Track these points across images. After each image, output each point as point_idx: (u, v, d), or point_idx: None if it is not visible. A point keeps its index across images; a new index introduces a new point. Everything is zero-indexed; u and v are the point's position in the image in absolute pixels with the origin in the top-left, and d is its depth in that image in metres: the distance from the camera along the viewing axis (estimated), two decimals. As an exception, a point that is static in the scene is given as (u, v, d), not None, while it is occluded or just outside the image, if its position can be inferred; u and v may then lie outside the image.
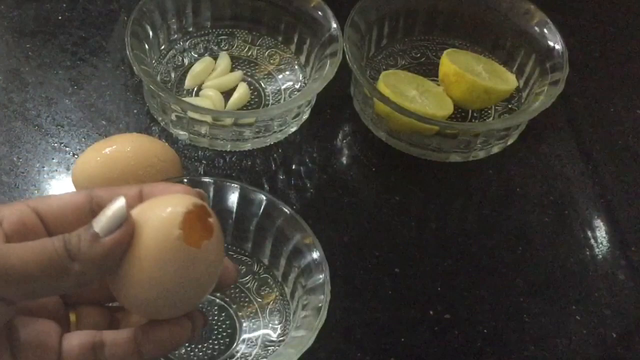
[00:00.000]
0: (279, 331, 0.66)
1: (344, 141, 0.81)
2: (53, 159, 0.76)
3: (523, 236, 0.76)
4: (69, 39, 0.85)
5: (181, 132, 0.78)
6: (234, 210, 0.68)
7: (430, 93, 0.80)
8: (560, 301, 0.72)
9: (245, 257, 0.70)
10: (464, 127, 0.79)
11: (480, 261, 0.74)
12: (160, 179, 0.67)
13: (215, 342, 0.65)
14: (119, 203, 0.45)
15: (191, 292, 0.47)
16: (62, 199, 0.48)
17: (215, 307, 0.67)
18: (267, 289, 0.68)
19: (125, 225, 0.44)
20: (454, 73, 0.80)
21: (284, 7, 0.83)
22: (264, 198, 0.67)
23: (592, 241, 0.76)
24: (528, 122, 0.80)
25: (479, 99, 0.81)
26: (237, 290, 0.68)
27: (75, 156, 0.76)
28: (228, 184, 0.68)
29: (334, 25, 0.80)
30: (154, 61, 0.81)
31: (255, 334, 0.66)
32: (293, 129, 0.80)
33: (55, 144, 0.77)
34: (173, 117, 0.77)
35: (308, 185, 0.77)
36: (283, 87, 0.83)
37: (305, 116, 0.80)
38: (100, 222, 0.44)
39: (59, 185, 0.75)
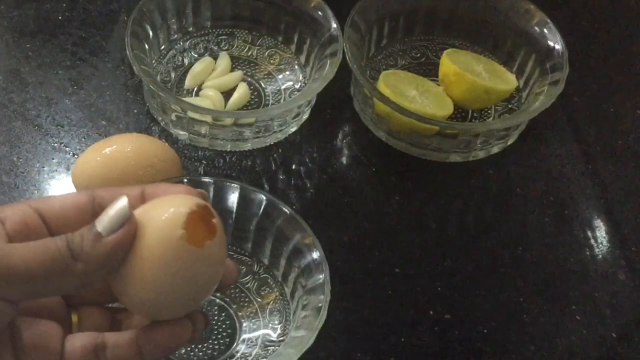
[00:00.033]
0: (279, 331, 0.66)
1: (344, 141, 0.81)
2: (53, 159, 0.76)
3: (523, 236, 0.76)
4: (69, 39, 0.85)
5: (181, 132, 0.78)
6: (234, 210, 0.68)
7: (430, 93, 0.80)
8: (560, 301, 0.72)
9: (245, 257, 0.70)
10: (464, 127, 0.79)
11: (480, 261, 0.74)
12: (160, 179, 0.67)
13: (215, 342, 0.65)
14: (122, 202, 0.45)
15: (193, 292, 0.47)
16: (64, 199, 0.48)
17: (215, 307, 0.67)
18: (267, 289, 0.68)
19: (128, 224, 0.44)
20: (454, 73, 0.80)
21: (284, 7, 0.83)
22: (264, 198, 0.67)
23: (592, 241, 0.76)
24: (528, 122, 0.80)
25: (479, 99, 0.81)
26: (237, 290, 0.68)
27: (75, 156, 0.76)
28: (228, 184, 0.68)
29: (334, 25, 0.80)
30: (154, 61, 0.81)
31: (255, 334, 0.66)
32: (293, 129, 0.80)
33: (55, 144, 0.77)
34: (173, 117, 0.77)
35: (308, 185, 0.77)
36: (283, 87, 0.83)
37: (305, 116, 0.80)
38: (103, 222, 0.44)
39: (59, 185, 0.75)
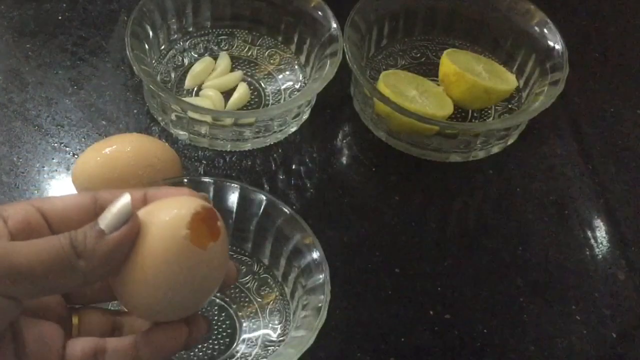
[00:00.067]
0: (279, 331, 0.66)
1: (344, 141, 0.81)
2: (53, 159, 0.76)
3: (523, 236, 0.76)
4: (69, 39, 0.85)
5: (181, 132, 0.78)
6: (234, 210, 0.68)
7: (430, 93, 0.80)
8: (560, 301, 0.72)
9: (245, 257, 0.70)
10: (464, 127, 0.79)
11: (480, 261, 0.74)
12: (160, 179, 0.67)
13: (215, 342, 0.65)
14: (124, 200, 0.45)
15: (193, 294, 0.47)
16: (67, 199, 0.48)
17: (215, 307, 0.67)
18: (267, 289, 0.68)
19: (131, 221, 0.44)
20: (454, 73, 0.80)
21: (284, 7, 0.83)
22: (264, 198, 0.67)
23: (592, 241, 0.76)
24: (528, 122, 0.80)
25: (479, 99, 0.81)
26: (237, 290, 0.68)
27: (75, 156, 0.76)
28: (228, 184, 0.68)
29: (334, 25, 0.80)
30: (154, 61, 0.81)
31: (255, 334, 0.66)
32: (293, 129, 0.80)
33: (55, 144, 0.77)
34: (173, 117, 0.77)
35: (308, 185, 0.77)
36: (283, 87, 0.83)
37: (305, 116, 0.80)
38: (106, 219, 0.44)
39: (59, 185, 0.75)
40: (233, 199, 0.68)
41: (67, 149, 0.77)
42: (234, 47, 0.85)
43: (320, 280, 0.63)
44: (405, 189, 0.78)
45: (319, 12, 0.81)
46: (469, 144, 0.78)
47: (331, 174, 0.78)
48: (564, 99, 0.81)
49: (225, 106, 0.80)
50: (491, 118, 0.82)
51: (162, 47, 0.82)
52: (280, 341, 0.65)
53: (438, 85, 0.82)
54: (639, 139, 0.84)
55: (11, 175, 0.75)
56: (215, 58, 0.83)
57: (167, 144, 0.74)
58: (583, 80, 0.87)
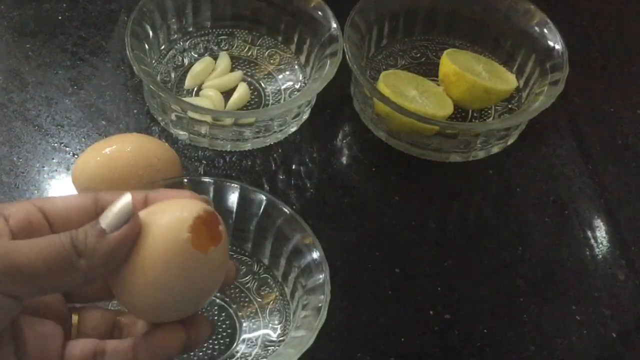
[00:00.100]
0: (279, 331, 0.66)
1: (344, 141, 0.81)
2: (53, 159, 0.76)
3: (523, 236, 0.76)
4: (69, 39, 0.85)
5: (181, 132, 0.78)
6: (234, 210, 0.68)
7: (430, 93, 0.80)
8: (560, 301, 0.72)
9: (245, 257, 0.70)
10: (464, 127, 0.79)
11: (480, 261, 0.74)
12: (160, 179, 0.67)
13: (215, 342, 0.65)
14: (125, 199, 0.45)
15: (192, 296, 0.47)
16: (68, 200, 0.48)
17: (215, 307, 0.67)
18: (267, 289, 0.68)
19: (132, 221, 0.44)
20: (454, 73, 0.80)
21: (284, 7, 0.83)
22: (264, 198, 0.67)
23: (592, 241, 0.76)
24: (528, 122, 0.80)
25: (479, 99, 0.81)
26: (237, 290, 0.68)
27: (75, 156, 0.76)
28: (228, 184, 0.68)
29: (334, 25, 0.80)
30: (154, 61, 0.81)
31: (255, 334, 0.66)
32: (293, 129, 0.80)
33: (55, 144, 0.77)
34: (173, 117, 0.77)
35: (308, 185, 0.77)
36: (283, 87, 0.83)
37: (305, 116, 0.80)
38: (107, 218, 0.44)
39: (59, 185, 0.75)
40: (233, 199, 0.68)
41: (67, 149, 0.77)
42: (234, 47, 0.85)
43: (320, 280, 0.63)
44: (405, 189, 0.78)
45: (319, 12, 0.81)
46: (469, 144, 0.78)
47: (331, 174, 0.78)
48: (564, 99, 0.81)
49: (225, 106, 0.80)
50: (491, 118, 0.82)
51: (162, 47, 0.82)
52: (280, 341, 0.65)
53: (438, 85, 0.82)
54: (639, 139, 0.85)
55: (11, 175, 0.75)
56: (215, 58, 0.83)
57: (167, 144, 0.74)
58: (583, 80, 0.87)
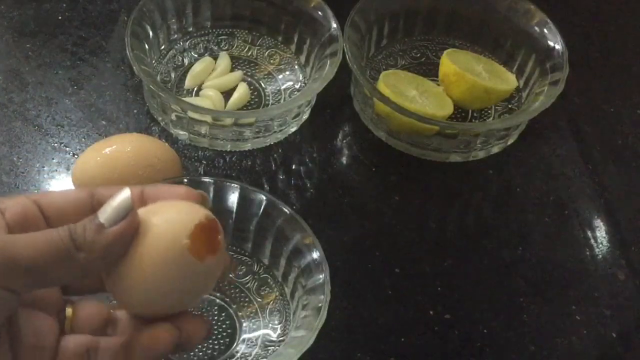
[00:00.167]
0: (279, 331, 0.66)
1: (344, 141, 0.81)
2: (53, 159, 0.76)
3: (523, 236, 0.76)
4: (69, 39, 0.85)
5: (181, 132, 0.78)
6: (234, 210, 0.68)
7: (430, 93, 0.80)
8: (560, 301, 0.72)
9: (245, 257, 0.70)
10: (464, 127, 0.79)
11: (480, 261, 0.74)
12: (160, 179, 0.67)
13: (215, 342, 0.65)
14: (124, 194, 0.45)
15: (182, 299, 0.47)
16: (64, 194, 0.48)
17: (215, 307, 0.67)
18: (267, 289, 0.68)
19: (130, 217, 0.44)
20: (454, 73, 0.80)
21: (284, 7, 0.83)
22: (264, 198, 0.67)
23: (592, 241, 0.76)
24: (528, 122, 0.80)
25: (479, 99, 0.81)
26: (237, 290, 0.68)
27: (75, 156, 0.76)
28: (228, 184, 0.68)
29: (334, 25, 0.80)
30: (154, 61, 0.81)
31: (255, 334, 0.66)
32: (293, 129, 0.80)
33: (55, 144, 0.77)
34: (173, 117, 0.77)
35: (308, 185, 0.77)
36: (283, 87, 0.83)
37: (305, 116, 0.80)
38: (105, 213, 0.44)
39: (59, 185, 0.75)
40: (233, 199, 0.68)
41: (67, 149, 0.77)
42: (234, 47, 0.85)
43: (320, 280, 0.63)
44: (405, 189, 0.78)
45: (319, 12, 0.81)
46: (469, 144, 0.78)
47: (331, 174, 0.78)
48: (564, 99, 0.81)
49: (225, 106, 0.80)
50: (491, 118, 0.82)
51: (162, 47, 0.82)
52: (280, 341, 0.65)
53: (438, 85, 0.82)
54: (639, 139, 0.84)
55: (11, 175, 0.75)
56: (215, 58, 0.83)
57: (167, 144, 0.74)
58: (583, 80, 0.87)
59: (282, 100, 0.81)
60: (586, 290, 0.73)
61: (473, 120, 0.82)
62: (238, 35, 0.85)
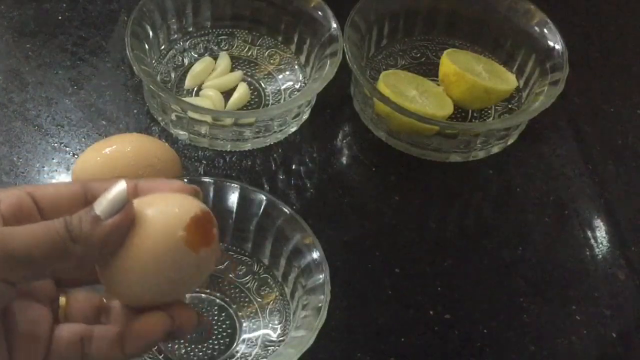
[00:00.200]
0: (279, 331, 0.66)
1: (344, 141, 0.81)
2: (53, 159, 0.77)
3: (523, 236, 0.76)
4: (69, 39, 0.85)
5: (181, 132, 0.78)
6: (234, 210, 0.68)
7: (430, 93, 0.80)
8: (560, 301, 0.72)
9: (245, 257, 0.70)
10: (464, 127, 0.79)
11: (480, 261, 0.74)
12: (160, 179, 0.67)
13: (215, 342, 0.65)
14: (120, 187, 0.45)
15: (175, 290, 0.47)
16: (58, 187, 0.48)
17: (215, 307, 0.67)
18: (267, 289, 0.68)
19: (127, 209, 0.45)
20: (454, 73, 0.80)
21: (284, 7, 0.83)
22: (264, 198, 0.67)
23: (592, 241, 0.76)
24: (528, 122, 0.80)
25: (479, 99, 0.81)
26: (237, 290, 0.68)
27: (75, 156, 0.76)
28: (228, 184, 0.68)
29: (334, 25, 0.80)
30: (154, 61, 0.81)
31: (255, 334, 0.66)
32: (293, 129, 0.80)
33: (55, 144, 0.77)
34: (173, 117, 0.77)
35: (308, 185, 0.77)
36: (283, 87, 0.83)
37: (305, 116, 0.80)
38: (101, 205, 0.45)
39: (59, 185, 0.75)
40: (233, 199, 0.68)
41: (67, 149, 0.77)
42: (234, 47, 0.85)
43: (320, 280, 0.63)
44: (405, 189, 0.78)
45: (319, 12, 0.81)
46: (469, 144, 0.78)
47: (331, 174, 0.78)
48: (564, 99, 0.81)
49: (225, 106, 0.80)
50: (491, 118, 0.82)
51: (162, 47, 0.82)
52: (280, 341, 0.65)
53: (438, 85, 0.82)
54: (639, 139, 0.84)
55: (11, 175, 0.75)
56: (215, 58, 0.83)
57: (167, 144, 0.74)
58: (583, 80, 0.87)
59: (282, 100, 0.81)
60: (586, 290, 0.73)
61: (473, 120, 0.82)
62: (238, 35, 0.85)
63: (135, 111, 0.80)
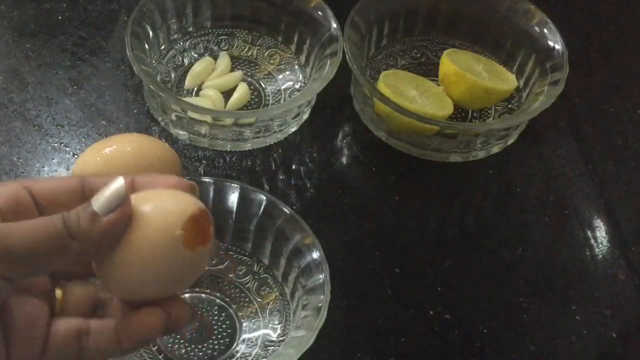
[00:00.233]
0: (279, 331, 0.66)
1: (344, 141, 0.81)
2: (53, 159, 0.77)
3: (523, 236, 0.76)
4: (69, 39, 0.85)
5: (181, 132, 0.78)
6: (234, 210, 0.68)
7: (430, 93, 0.80)
8: (560, 301, 0.72)
9: (245, 257, 0.70)
10: (464, 127, 0.79)
11: (481, 261, 0.74)
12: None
13: (215, 342, 0.65)
14: (118, 183, 0.45)
15: (173, 286, 0.47)
16: (55, 181, 0.48)
17: (215, 307, 0.67)
18: (267, 289, 0.68)
19: (125, 205, 0.45)
20: (454, 73, 0.80)
21: (284, 7, 0.83)
22: (264, 198, 0.67)
23: (592, 241, 0.76)
24: (528, 122, 0.80)
25: (479, 99, 0.81)
26: (237, 290, 0.68)
27: (75, 156, 0.76)
28: (228, 184, 0.68)
29: (334, 25, 0.80)
30: (154, 61, 0.81)
31: (255, 334, 0.66)
32: (293, 129, 0.80)
33: (55, 144, 0.77)
34: (173, 117, 0.77)
35: (308, 185, 0.77)
36: (283, 87, 0.83)
37: (305, 116, 0.80)
38: (99, 202, 0.45)
39: (59, 185, 0.75)
40: (233, 199, 0.68)
41: (67, 149, 0.77)
42: (234, 47, 0.85)
43: (320, 280, 0.63)
44: (405, 189, 0.78)
45: (319, 12, 0.81)
46: (469, 144, 0.78)
47: (331, 174, 0.78)
48: (564, 99, 0.81)
49: (225, 106, 0.80)
50: (491, 118, 0.82)
51: (162, 47, 0.82)
52: (280, 341, 0.65)
53: (438, 85, 0.82)
54: (639, 139, 0.84)
55: (11, 175, 0.75)
56: (215, 58, 0.83)
57: (167, 144, 0.74)
58: (583, 80, 0.87)
59: (282, 100, 0.81)
60: (586, 290, 0.73)
61: (473, 120, 0.82)
62: (238, 35, 0.85)
63: (135, 111, 0.80)
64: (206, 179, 0.68)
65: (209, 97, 0.80)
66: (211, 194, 0.67)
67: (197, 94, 0.81)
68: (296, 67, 0.84)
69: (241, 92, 0.81)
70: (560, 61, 0.80)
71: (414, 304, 0.71)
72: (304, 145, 0.80)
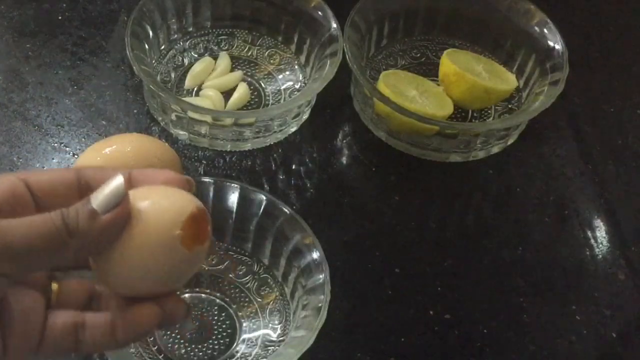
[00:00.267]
0: (279, 331, 0.66)
1: (344, 141, 0.81)
2: (53, 159, 0.77)
3: (523, 236, 0.76)
4: (69, 39, 0.85)
5: (181, 132, 0.78)
6: (234, 210, 0.68)
7: (430, 93, 0.80)
8: (560, 301, 0.72)
9: (245, 257, 0.70)
10: (464, 127, 0.79)
11: (481, 261, 0.74)
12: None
13: (215, 342, 0.65)
14: (118, 181, 0.45)
15: (169, 284, 0.48)
16: (51, 173, 0.48)
17: (215, 307, 0.67)
18: (267, 289, 0.68)
19: (124, 204, 0.45)
20: (454, 73, 0.80)
21: (284, 7, 0.83)
22: (264, 198, 0.67)
23: (592, 241, 0.76)
24: (528, 122, 0.80)
25: (479, 99, 0.81)
26: (237, 290, 0.68)
27: (75, 156, 0.76)
28: (228, 184, 0.68)
29: (334, 25, 0.80)
30: (154, 61, 0.81)
31: (255, 334, 0.66)
32: (293, 129, 0.80)
33: (55, 144, 0.77)
34: (173, 117, 0.77)
35: (308, 185, 0.77)
36: (283, 87, 0.83)
37: (305, 116, 0.80)
38: (98, 199, 0.45)
39: (59, 185, 0.75)
40: (233, 199, 0.68)
41: (67, 149, 0.77)
42: (234, 47, 0.85)
43: (320, 280, 0.63)
44: (405, 189, 0.78)
45: (319, 12, 0.81)
46: (469, 144, 0.78)
47: (331, 174, 0.78)
48: (564, 99, 0.81)
49: (225, 106, 0.80)
50: (491, 118, 0.82)
51: (162, 47, 0.82)
52: (280, 341, 0.65)
53: (438, 85, 0.82)
54: (639, 139, 0.84)
55: (11, 175, 0.75)
56: (215, 58, 0.83)
57: (167, 144, 0.74)
58: (583, 80, 0.87)
59: (282, 100, 0.81)
60: (586, 290, 0.73)
61: (473, 120, 0.82)
62: (238, 35, 0.85)
63: (135, 111, 0.80)
64: (206, 179, 0.68)
65: (209, 97, 0.80)
66: (211, 194, 0.67)
67: (197, 94, 0.81)
68: (296, 67, 0.84)
69: (241, 92, 0.81)
70: (560, 61, 0.80)
71: (414, 304, 0.71)
72: (304, 145, 0.80)
